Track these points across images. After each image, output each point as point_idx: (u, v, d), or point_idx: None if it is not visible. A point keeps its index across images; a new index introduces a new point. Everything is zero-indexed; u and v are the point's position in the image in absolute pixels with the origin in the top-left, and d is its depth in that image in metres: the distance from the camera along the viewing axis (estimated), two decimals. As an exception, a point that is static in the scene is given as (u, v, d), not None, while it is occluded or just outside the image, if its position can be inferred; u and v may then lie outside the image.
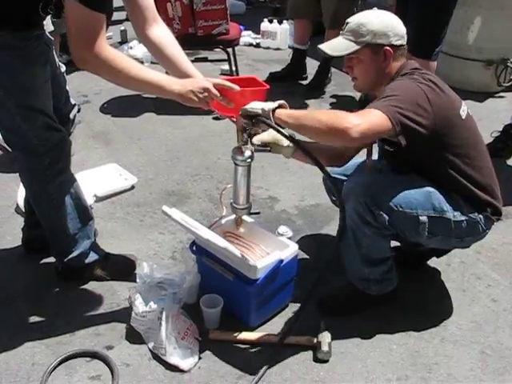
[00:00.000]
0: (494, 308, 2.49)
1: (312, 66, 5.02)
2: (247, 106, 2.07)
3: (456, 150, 2.18)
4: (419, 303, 2.50)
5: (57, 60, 2.35)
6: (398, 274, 2.41)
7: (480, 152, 2.27)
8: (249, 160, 2.19)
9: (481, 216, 2.24)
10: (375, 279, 2.35)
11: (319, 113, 2.13)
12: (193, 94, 2.03)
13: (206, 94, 2.04)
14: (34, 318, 2.34)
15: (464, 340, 2.32)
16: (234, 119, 2.16)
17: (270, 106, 2.04)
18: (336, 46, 2.26)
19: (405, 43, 2.23)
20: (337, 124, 1.93)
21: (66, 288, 2.49)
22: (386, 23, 2.18)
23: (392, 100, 2.04)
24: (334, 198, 2.65)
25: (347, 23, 2.24)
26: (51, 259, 2.60)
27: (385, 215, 2.14)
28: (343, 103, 4.61)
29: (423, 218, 2.17)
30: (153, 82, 2.01)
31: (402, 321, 2.39)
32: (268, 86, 2.11)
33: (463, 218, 2.22)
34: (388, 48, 2.18)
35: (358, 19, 2.21)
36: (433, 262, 2.71)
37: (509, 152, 3.89)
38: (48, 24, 2.17)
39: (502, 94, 4.92)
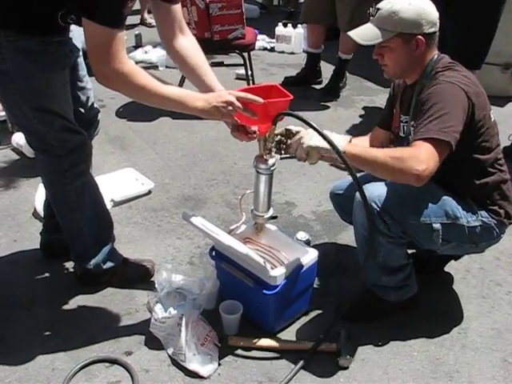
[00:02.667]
0: (514, 315, 2.47)
1: (327, 70, 5.00)
2: (318, 144, 1.97)
3: (482, 149, 2.17)
4: (439, 310, 2.48)
5: (83, 65, 2.35)
6: (417, 281, 2.39)
7: (500, 155, 2.26)
8: (272, 168, 2.18)
9: (494, 221, 2.23)
10: (394, 286, 2.33)
11: (384, 157, 1.96)
12: (216, 109, 1.99)
13: (230, 107, 1.98)
14: (52, 324, 2.34)
15: (485, 347, 2.30)
16: (258, 130, 2.13)
17: (341, 144, 1.95)
18: (366, 34, 2.19)
19: (437, 30, 2.17)
20: (405, 172, 1.93)
21: (85, 293, 2.49)
22: (419, 10, 2.11)
23: (444, 119, 2.00)
24: (341, 214, 2.69)
25: (378, 9, 2.17)
26: (70, 264, 2.61)
27: (398, 224, 2.13)
28: (359, 108, 4.61)
29: (437, 226, 2.15)
30: (175, 98, 1.99)
31: (422, 327, 2.37)
32: (292, 97, 2.06)
33: (477, 223, 2.20)
34: (420, 37, 2.13)
35: (390, 6, 2.13)
36: (452, 268, 2.70)
37: None
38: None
39: (519, 98, 4.89)
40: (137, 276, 2.56)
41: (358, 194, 2.12)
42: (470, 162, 2.18)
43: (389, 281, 2.30)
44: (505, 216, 2.25)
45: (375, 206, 2.12)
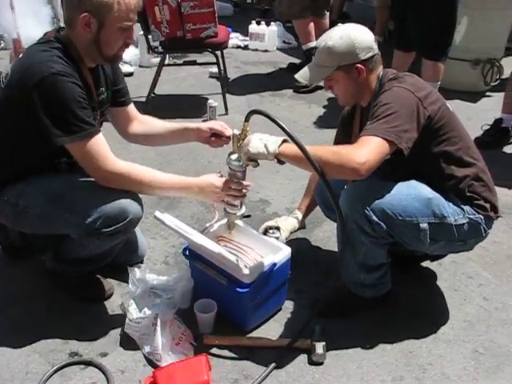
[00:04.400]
0: (485, 307, 2.51)
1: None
2: (250, 149, 2.07)
3: (451, 140, 2.21)
4: (412, 304, 2.51)
5: None
6: (392, 276, 2.41)
7: (471, 145, 2.30)
8: (245, 166, 2.20)
9: (481, 216, 2.25)
10: (370, 284, 2.35)
11: (323, 152, 2.02)
12: (210, 194, 2.24)
13: (219, 191, 2.22)
14: (26, 326, 2.32)
15: (457, 339, 2.33)
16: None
17: (273, 146, 2.05)
18: (310, 74, 2.29)
19: (375, 53, 2.24)
20: (344, 166, 1.98)
21: (58, 295, 2.47)
22: (350, 42, 2.19)
23: (391, 119, 2.05)
24: (325, 211, 2.76)
25: (315, 48, 2.29)
26: (42, 264, 2.57)
27: (382, 224, 2.14)
28: (333, 105, 4.63)
29: (424, 226, 2.17)
30: (173, 191, 2.28)
31: (395, 321, 2.40)
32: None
33: (464, 221, 2.22)
34: (359, 65, 2.21)
35: (324, 43, 2.23)
36: (425, 262, 2.73)
37: (496, 145, 3.97)
38: None
39: (489, 93, 4.96)
40: (85, 295, 2.48)
41: (343, 191, 2.21)
42: (444, 155, 2.21)
43: (366, 278, 2.32)
44: (491, 209, 2.28)
45: (361, 206, 2.13)
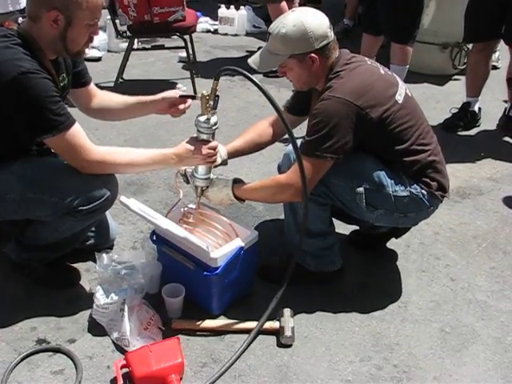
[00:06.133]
0: (452, 287, 2.55)
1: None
2: (213, 202, 2.37)
3: (401, 134, 2.23)
4: (380, 285, 2.54)
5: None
6: (360, 258, 2.44)
7: (424, 131, 2.31)
8: (214, 127, 2.20)
9: (424, 191, 2.28)
10: (312, 253, 2.39)
11: (265, 193, 2.29)
12: (188, 159, 2.23)
13: (196, 155, 2.22)
14: (-9, 314, 2.30)
15: (424, 319, 2.37)
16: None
17: (229, 195, 2.31)
18: (262, 60, 2.26)
19: (330, 40, 2.20)
20: (281, 197, 2.26)
21: (24, 282, 2.43)
22: (304, 30, 2.14)
23: (320, 138, 2.12)
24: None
25: (269, 34, 2.23)
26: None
27: (320, 183, 2.20)
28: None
29: (359, 189, 2.22)
30: (153, 164, 2.24)
31: (363, 303, 2.42)
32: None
33: (405, 193, 2.26)
34: (313, 55, 2.18)
35: (277, 30, 2.17)
36: (393, 244, 2.76)
37: (465, 128, 4.03)
38: None
39: (457, 76, 5.00)
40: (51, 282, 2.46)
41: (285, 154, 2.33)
42: (393, 151, 2.25)
43: (306, 244, 2.31)
44: (437, 188, 2.31)
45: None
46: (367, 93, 2.14)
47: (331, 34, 2.21)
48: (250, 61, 2.29)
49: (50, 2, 2.02)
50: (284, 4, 4.85)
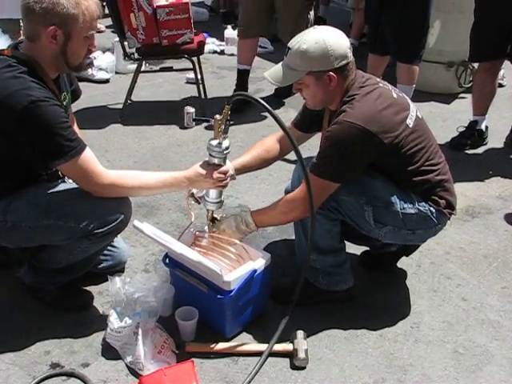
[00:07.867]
0: (464, 307, 2.54)
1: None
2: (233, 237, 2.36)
3: (412, 156, 2.24)
4: (392, 305, 2.54)
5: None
6: (371, 278, 2.43)
7: (433, 152, 2.32)
8: (226, 151, 2.22)
9: (432, 209, 2.29)
10: (323, 270, 2.39)
11: (276, 212, 2.32)
12: (199, 183, 2.27)
13: (206, 179, 2.25)
14: (5, 339, 2.29)
15: (437, 340, 2.36)
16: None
17: (245, 228, 2.35)
18: (280, 74, 2.25)
19: (350, 60, 2.21)
20: (292, 214, 2.29)
21: (37, 305, 2.44)
22: (325, 48, 2.14)
23: (330, 163, 2.17)
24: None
25: (289, 49, 2.23)
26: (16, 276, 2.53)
27: (330, 200, 2.22)
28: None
29: (368, 206, 2.24)
30: (163, 187, 2.27)
31: (376, 324, 2.42)
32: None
33: (413, 211, 2.27)
34: (331, 73, 2.18)
35: (297, 46, 2.17)
36: (404, 264, 2.76)
37: (472, 146, 4.05)
38: None
39: (463, 94, 5.02)
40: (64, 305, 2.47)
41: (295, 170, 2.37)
42: (402, 172, 2.27)
43: (317, 260, 2.34)
44: (445, 206, 2.32)
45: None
46: (381, 119, 2.15)
47: (351, 55, 2.21)
48: (266, 74, 2.29)
49: (48, 19, 2.04)
50: None
